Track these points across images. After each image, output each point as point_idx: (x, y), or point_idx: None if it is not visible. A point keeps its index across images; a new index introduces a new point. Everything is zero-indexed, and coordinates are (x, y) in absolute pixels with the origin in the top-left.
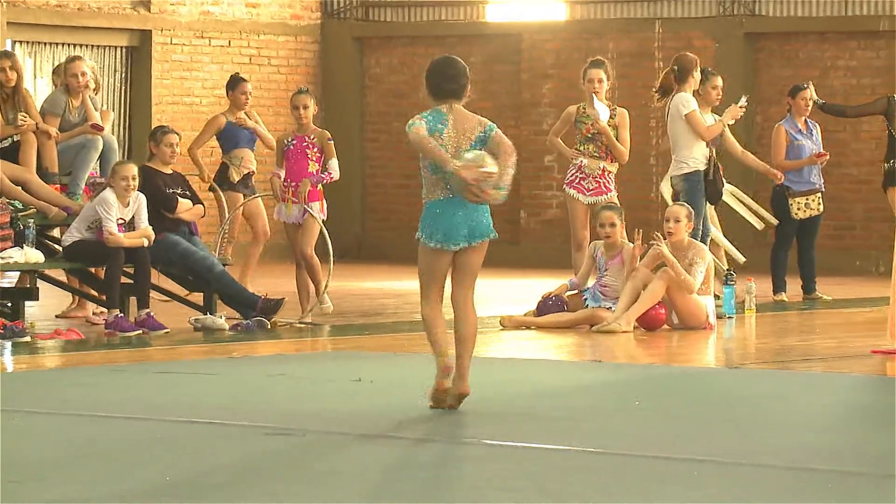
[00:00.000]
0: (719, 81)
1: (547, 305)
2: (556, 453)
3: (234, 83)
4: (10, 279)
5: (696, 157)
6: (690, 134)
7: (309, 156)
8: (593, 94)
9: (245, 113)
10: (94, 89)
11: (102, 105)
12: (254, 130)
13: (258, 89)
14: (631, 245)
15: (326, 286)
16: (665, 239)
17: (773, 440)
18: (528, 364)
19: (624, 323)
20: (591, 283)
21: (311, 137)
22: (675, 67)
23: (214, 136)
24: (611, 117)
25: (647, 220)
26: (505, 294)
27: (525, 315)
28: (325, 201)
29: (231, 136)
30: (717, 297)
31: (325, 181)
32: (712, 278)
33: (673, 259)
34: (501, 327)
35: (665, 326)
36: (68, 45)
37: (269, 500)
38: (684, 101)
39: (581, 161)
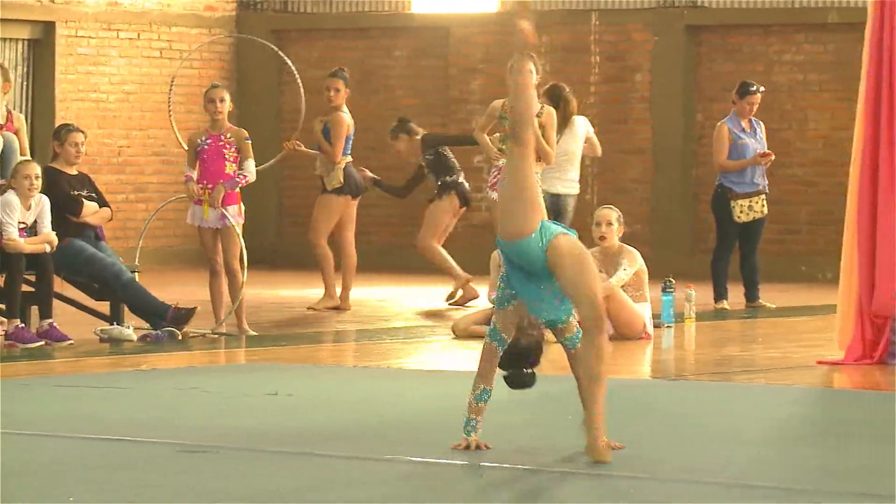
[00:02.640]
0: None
1: None
2: (488, 471)
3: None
4: None
5: None
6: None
7: (226, 156)
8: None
9: None
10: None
11: (11, 105)
12: None
13: (169, 84)
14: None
15: (241, 296)
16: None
17: (713, 456)
18: (463, 376)
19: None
20: None
21: (228, 136)
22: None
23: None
24: (538, 115)
25: (582, 224)
26: (435, 302)
27: (478, 321)
28: (242, 204)
29: None
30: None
31: (240, 184)
32: (647, 284)
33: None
34: (453, 335)
35: None
36: None
37: None
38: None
39: (501, 163)
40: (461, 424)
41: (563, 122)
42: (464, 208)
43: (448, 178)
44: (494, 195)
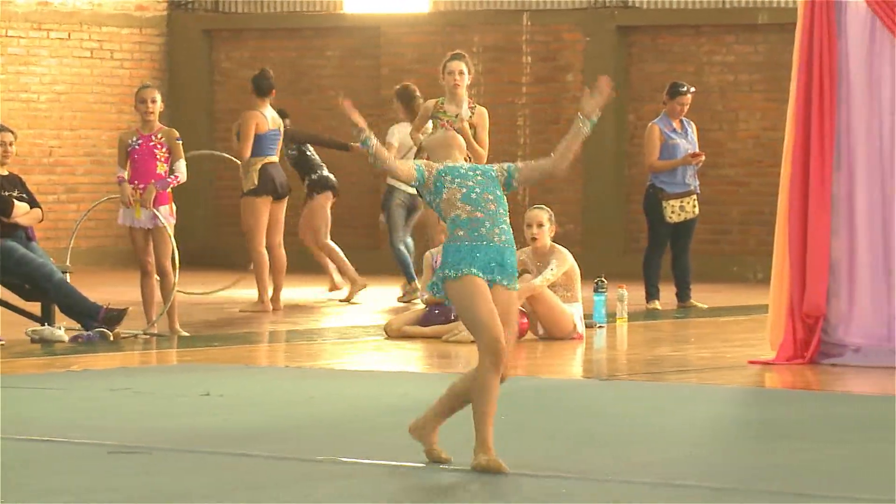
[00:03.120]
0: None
1: (433, 315)
2: (414, 472)
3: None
4: None
5: None
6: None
7: (157, 156)
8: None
9: None
10: None
11: None
12: None
13: (100, 84)
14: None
15: (172, 296)
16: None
17: (644, 455)
18: (394, 377)
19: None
20: None
21: (159, 136)
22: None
23: None
24: (469, 115)
25: (516, 225)
26: (368, 303)
27: (410, 322)
28: (173, 205)
29: None
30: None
31: (171, 184)
32: (578, 283)
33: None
34: (386, 335)
35: (531, 336)
36: None
37: None
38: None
39: None
40: (401, 424)
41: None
42: (336, 197)
43: (314, 176)
44: None
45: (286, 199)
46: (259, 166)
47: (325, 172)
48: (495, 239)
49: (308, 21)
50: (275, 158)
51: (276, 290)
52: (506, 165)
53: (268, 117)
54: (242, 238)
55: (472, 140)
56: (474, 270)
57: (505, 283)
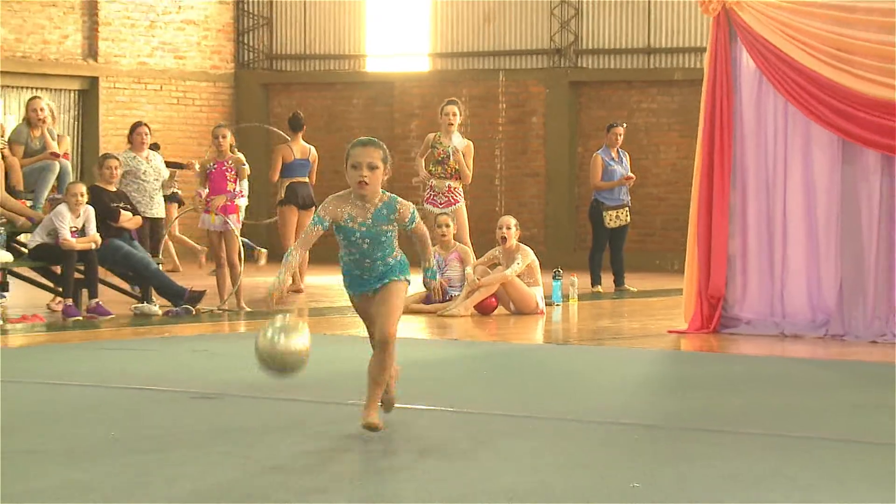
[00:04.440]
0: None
1: (432, 296)
2: (421, 413)
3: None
4: None
5: None
6: None
7: (227, 177)
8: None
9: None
10: (52, 121)
11: (59, 131)
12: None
13: (185, 124)
14: (463, 246)
15: (239, 281)
16: (500, 244)
17: (591, 402)
18: (404, 342)
19: (462, 309)
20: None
21: (229, 163)
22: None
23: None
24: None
25: (492, 229)
26: None
27: (415, 301)
28: (240, 214)
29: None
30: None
31: (238, 196)
32: (538, 272)
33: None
34: None
35: (501, 311)
36: (30, 88)
37: (194, 449)
38: None
39: (431, 182)
40: (402, 378)
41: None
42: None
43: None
44: (428, 206)
45: (311, 210)
46: (287, 184)
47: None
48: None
49: (339, 77)
50: (303, 179)
51: (301, 277)
52: (409, 216)
53: (293, 149)
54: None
55: (464, 166)
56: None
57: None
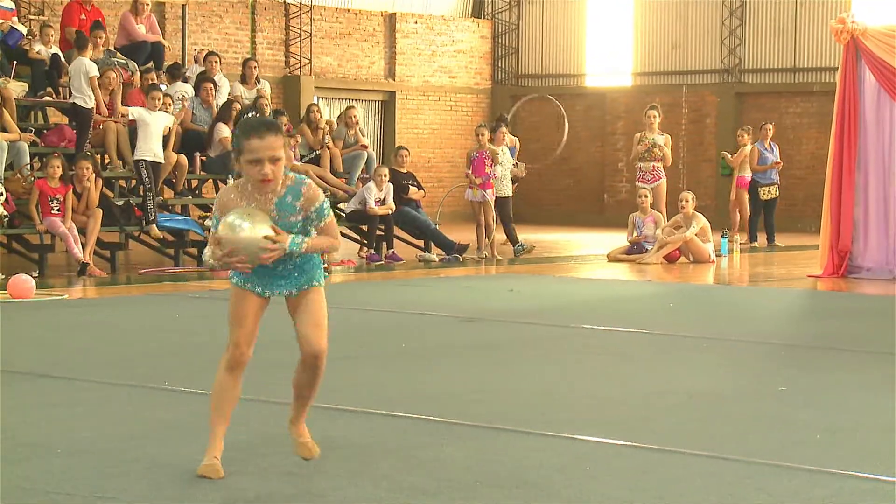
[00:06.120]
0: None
1: (633, 249)
2: (621, 334)
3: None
4: None
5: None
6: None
7: (486, 163)
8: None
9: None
10: (357, 125)
11: (364, 136)
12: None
13: (456, 124)
14: (657, 212)
15: (493, 237)
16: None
17: (749, 327)
18: (610, 283)
19: (654, 259)
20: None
21: (486, 152)
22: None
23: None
24: (663, 140)
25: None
26: (596, 242)
27: (620, 252)
28: (494, 190)
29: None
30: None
31: (491, 177)
32: (710, 232)
33: (683, 236)
34: (607, 259)
35: (683, 261)
36: (347, 99)
37: (459, 357)
38: None
39: (639, 164)
40: (607, 308)
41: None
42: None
43: None
44: (639, 184)
45: None
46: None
47: None
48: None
49: (566, 90)
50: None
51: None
52: (315, 211)
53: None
54: (537, 204)
55: (667, 152)
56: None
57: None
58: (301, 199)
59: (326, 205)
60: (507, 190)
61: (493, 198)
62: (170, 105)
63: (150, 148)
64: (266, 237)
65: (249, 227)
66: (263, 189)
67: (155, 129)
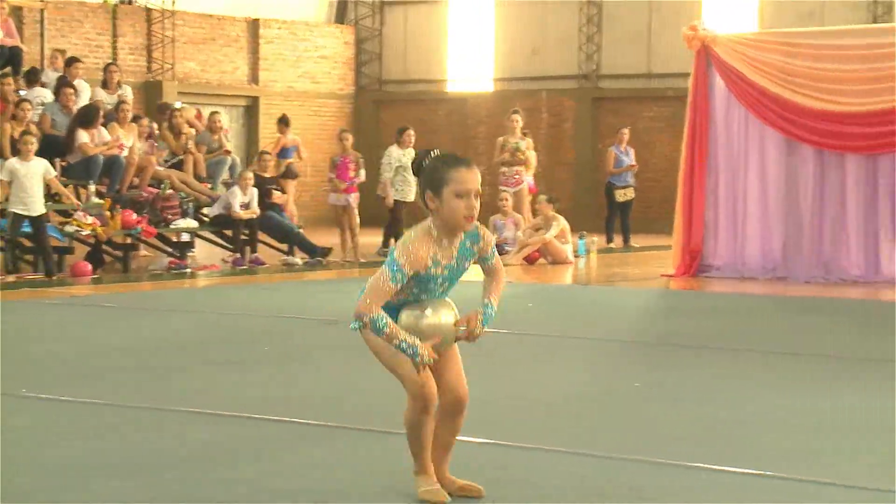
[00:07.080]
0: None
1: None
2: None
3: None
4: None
5: None
6: None
7: (349, 167)
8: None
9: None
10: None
11: (227, 141)
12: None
13: (320, 130)
14: (517, 214)
15: (355, 243)
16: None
17: (605, 325)
18: (469, 284)
19: (514, 260)
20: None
21: (350, 156)
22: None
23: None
24: (524, 143)
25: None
26: None
27: None
28: (358, 194)
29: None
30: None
31: (356, 182)
32: (569, 234)
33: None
34: None
35: (542, 262)
36: (211, 104)
37: (328, 359)
38: None
39: (502, 169)
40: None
41: None
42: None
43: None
44: (502, 188)
45: None
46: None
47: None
48: None
49: (428, 95)
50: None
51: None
52: (492, 248)
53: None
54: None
55: (529, 156)
56: None
57: None
58: (480, 242)
59: (494, 240)
60: (404, 195)
61: (356, 203)
62: (29, 110)
63: (21, 199)
64: (456, 324)
65: (445, 315)
66: (455, 233)
67: (29, 181)
